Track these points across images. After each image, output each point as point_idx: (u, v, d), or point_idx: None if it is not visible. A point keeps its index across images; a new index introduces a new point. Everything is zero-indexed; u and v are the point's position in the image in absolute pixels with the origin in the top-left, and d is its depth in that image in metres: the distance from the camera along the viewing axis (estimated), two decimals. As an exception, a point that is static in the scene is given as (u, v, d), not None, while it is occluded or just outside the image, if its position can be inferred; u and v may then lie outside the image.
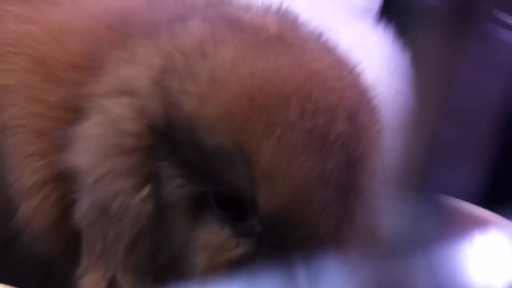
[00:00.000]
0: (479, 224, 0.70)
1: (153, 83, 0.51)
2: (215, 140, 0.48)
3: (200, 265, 0.50)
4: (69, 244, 0.55)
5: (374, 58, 0.74)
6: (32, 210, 0.55)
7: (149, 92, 0.51)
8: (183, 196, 0.50)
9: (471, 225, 0.66)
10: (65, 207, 0.55)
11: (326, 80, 0.50)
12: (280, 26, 0.55)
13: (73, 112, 0.55)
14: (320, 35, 0.57)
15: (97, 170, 0.51)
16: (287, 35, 0.53)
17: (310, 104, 0.49)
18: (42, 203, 0.55)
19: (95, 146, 0.52)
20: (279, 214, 0.48)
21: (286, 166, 0.47)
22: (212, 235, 0.50)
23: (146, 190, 0.51)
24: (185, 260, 0.51)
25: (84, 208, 0.52)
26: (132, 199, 0.51)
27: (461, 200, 0.68)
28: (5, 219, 0.57)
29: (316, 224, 0.48)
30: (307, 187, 0.47)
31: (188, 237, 0.50)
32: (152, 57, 0.53)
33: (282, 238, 0.48)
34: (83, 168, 0.52)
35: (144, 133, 0.51)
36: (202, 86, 0.49)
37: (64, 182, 0.54)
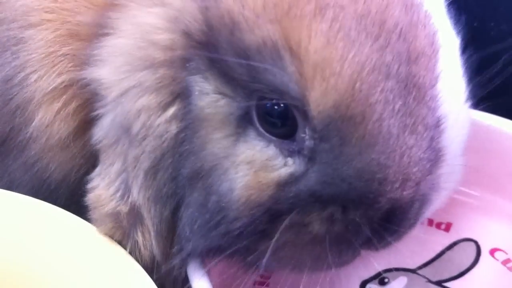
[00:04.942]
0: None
1: None
2: (260, 33, 0.44)
3: (242, 181, 0.47)
4: (82, 165, 0.53)
5: None
6: (53, 114, 0.53)
7: None
8: (219, 111, 0.47)
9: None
10: (86, 117, 0.52)
11: None
12: None
13: (104, 28, 0.51)
14: None
15: (121, 84, 0.48)
16: None
17: None
18: (64, 107, 0.53)
19: (121, 58, 0.49)
20: (335, 112, 0.44)
21: (340, 53, 0.43)
22: (256, 152, 0.47)
23: (171, 110, 0.48)
24: (223, 173, 0.48)
25: (105, 125, 0.49)
26: (156, 119, 0.48)
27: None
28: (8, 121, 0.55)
29: (378, 123, 0.44)
30: (366, 77, 0.44)
31: (228, 151, 0.47)
32: None
33: (338, 146, 0.44)
34: (107, 81, 0.49)
35: (177, 44, 0.48)
36: None
37: (88, 92, 0.51)
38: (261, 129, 0.47)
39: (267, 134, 0.47)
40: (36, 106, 0.54)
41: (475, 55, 0.67)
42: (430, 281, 0.66)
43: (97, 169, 0.51)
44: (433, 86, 0.47)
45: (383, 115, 0.44)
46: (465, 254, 0.68)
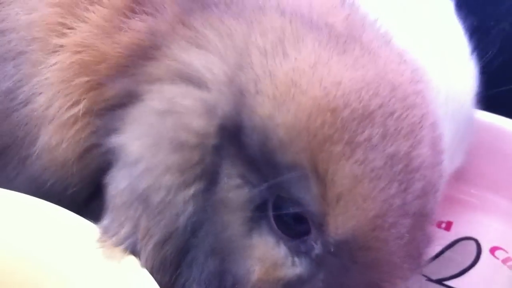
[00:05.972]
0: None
1: (228, 80, 0.47)
2: (290, 155, 0.45)
3: (255, 275, 0.48)
4: (77, 183, 0.53)
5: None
6: (62, 140, 0.52)
7: (222, 88, 0.47)
8: (240, 196, 0.47)
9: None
10: (91, 143, 0.52)
11: (407, 95, 0.47)
12: (350, 23, 0.51)
13: (128, 96, 0.51)
14: (389, 37, 0.53)
15: (147, 161, 0.48)
16: (359, 34, 0.49)
17: (393, 122, 0.45)
18: (74, 136, 0.52)
19: (151, 135, 0.48)
20: (351, 240, 0.45)
21: (366, 191, 0.44)
22: (267, 249, 0.47)
23: (192, 190, 0.48)
24: (240, 262, 0.48)
25: (120, 186, 0.49)
26: (176, 197, 0.48)
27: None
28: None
29: (389, 255, 0.46)
30: (387, 218, 0.45)
31: (244, 242, 0.48)
32: (226, 48, 0.48)
33: (347, 264, 0.46)
34: (133, 155, 0.48)
35: (211, 132, 0.47)
36: (281, 88, 0.45)
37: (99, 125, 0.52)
38: (274, 224, 0.47)
39: (278, 230, 0.47)
40: (44, 128, 0.53)
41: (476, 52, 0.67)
42: (430, 279, 0.66)
43: (105, 223, 0.50)
44: (433, 213, 0.49)
45: (394, 249, 0.46)
46: (466, 252, 0.68)
